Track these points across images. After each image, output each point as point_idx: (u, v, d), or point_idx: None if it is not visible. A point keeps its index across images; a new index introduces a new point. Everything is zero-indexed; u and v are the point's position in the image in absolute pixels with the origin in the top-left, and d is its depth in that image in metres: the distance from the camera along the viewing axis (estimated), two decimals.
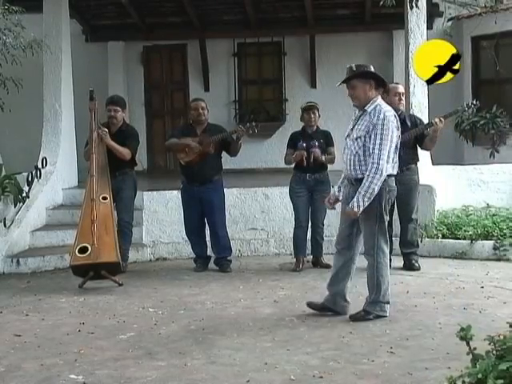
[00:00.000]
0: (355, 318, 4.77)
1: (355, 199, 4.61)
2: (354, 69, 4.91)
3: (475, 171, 8.33)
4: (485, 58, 10.22)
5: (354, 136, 4.75)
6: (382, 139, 4.63)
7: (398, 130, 4.77)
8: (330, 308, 4.93)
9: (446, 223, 7.44)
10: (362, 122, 4.76)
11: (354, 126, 4.82)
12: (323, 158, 6.70)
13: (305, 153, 6.63)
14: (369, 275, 4.82)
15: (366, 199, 4.59)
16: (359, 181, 4.68)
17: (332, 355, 4.01)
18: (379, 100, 4.82)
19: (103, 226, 6.22)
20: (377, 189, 4.59)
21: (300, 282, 6.19)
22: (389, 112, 4.74)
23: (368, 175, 4.60)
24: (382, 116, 4.67)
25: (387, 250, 4.84)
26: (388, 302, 4.83)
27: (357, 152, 4.72)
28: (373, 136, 4.64)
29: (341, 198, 4.96)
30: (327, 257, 7.05)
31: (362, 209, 4.60)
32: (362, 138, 4.70)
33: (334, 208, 5.20)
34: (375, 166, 4.60)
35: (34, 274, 6.98)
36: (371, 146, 4.64)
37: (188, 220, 6.91)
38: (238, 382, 3.63)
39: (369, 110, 4.75)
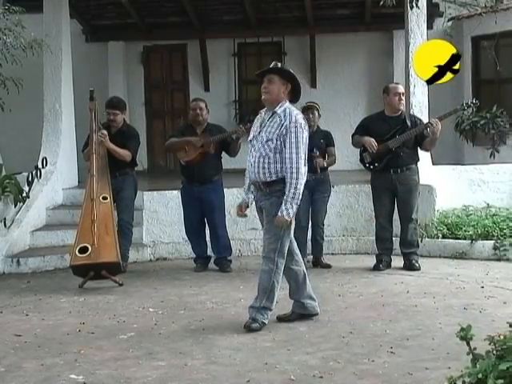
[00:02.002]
0: (249, 327, 4.57)
1: (283, 207, 4.47)
2: (277, 65, 4.75)
3: (475, 171, 8.32)
4: (485, 57, 10.22)
5: (264, 138, 4.56)
6: (297, 142, 4.52)
7: (307, 132, 4.67)
8: (301, 314, 4.82)
9: (447, 223, 7.44)
10: (271, 124, 4.59)
11: (261, 129, 4.64)
12: (325, 163, 6.73)
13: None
14: (264, 279, 4.65)
15: (294, 205, 4.50)
16: (267, 184, 4.57)
17: (332, 355, 4.01)
18: (288, 104, 4.65)
19: (103, 225, 6.22)
20: (301, 192, 4.53)
21: None
22: (299, 115, 4.66)
23: (291, 181, 4.48)
24: (293, 119, 4.55)
25: (285, 255, 4.68)
26: (271, 309, 4.70)
27: (266, 154, 4.55)
28: (288, 139, 4.51)
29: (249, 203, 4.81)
30: (327, 257, 7.07)
31: (292, 215, 4.50)
32: (274, 141, 4.53)
33: (246, 215, 4.92)
34: (295, 169, 4.49)
35: (34, 274, 6.98)
36: (287, 150, 4.50)
37: (188, 220, 6.91)
38: (238, 381, 3.63)
39: (278, 111, 4.59)
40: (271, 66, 4.70)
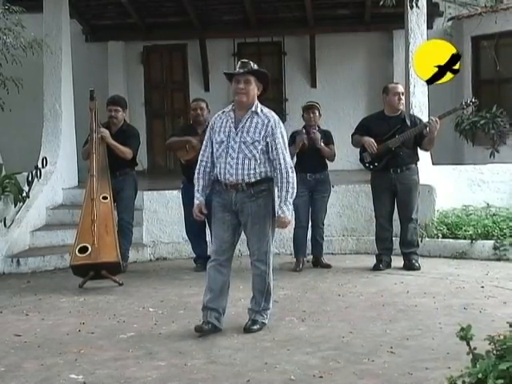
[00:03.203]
0: (249, 329, 4.51)
1: (284, 207, 4.43)
2: (252, 65, 4.54)
3: (475, 171, 8.32)
4: (485, 57, 10.23)
5: (249, 140, 4.44)
6: (284, 141, 4.53)
7: None
8: (216, 326, 4.55)
9: (446, 223, 7.44)
10: (252, 124, 4.48)
11: (239, 129, 4.47)
12: (322, 144, 6.68)
13: (305, 137, 6.62)
14: (259, 282, 4.58)
15: (289, 203, 4.48)
16: (251, 185, 4.46)
17: (332, 355, 4.01)
18: (258, 103, 4.57)
19: (103, 225, 6.23)
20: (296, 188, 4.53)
21: (300, 281, 6.19)
22: (274, 113, 4.63)
23: (286, 179, 4.44)
24: (275, 118, 4.53)
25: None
26: (270, 309, 4.69)
27: (253, 156, 4.45)
28: (276, 139, 4.46)
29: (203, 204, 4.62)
30: (327, 257, 7.07)
31: (291, 213, 4.51)
32: (261, 142, 4.45)
33: (205, 217, 4.71)
34: (290, 168, 4.48)
35: (34, 274, 6.98)
36: (278, 150, 4.46)
37: (188, 220, 6.89)
38: (238, 381, 3.63)
39: (258, 111, 4.51)
40: (249, 68, 4.50)
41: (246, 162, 4.46)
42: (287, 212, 4.48)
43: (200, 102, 6.91)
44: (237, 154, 4.47)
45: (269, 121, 4.50)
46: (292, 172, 4.51)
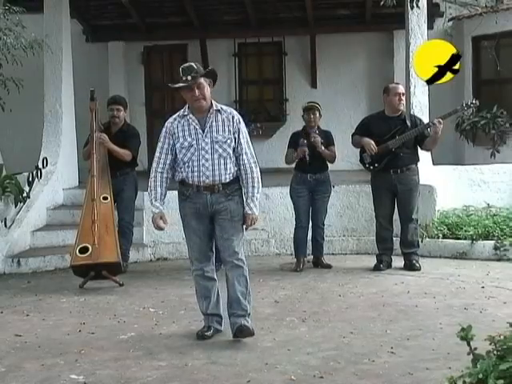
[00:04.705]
0: (248, 333, 4.36)
1: (252, 204, 4.39)
2: (196, 67, 4.38)
3: (476, 171, 8.33)
4: (485, 57, 10.22)
5: (220, 138, 4.35)
6: (247, 136, 4.48)
7: None
8: (218, 329, 4.56)
9: (447, 223, 7.44)
10: (218, 122, 4.39)
11: (207, 130, 4.36)
12: (322, 147, 6.68)
13: (307, 149, 6.62)
14: (242, 282, 4.43)
15: (256, 199, 4.42)
16: (227, 185, 4.39)
17: (333, 355, 4.01)
18: (212, 100, 4.47)
19: (104, 226, 6.23)
20: None
21: (301, 282, 6.19)
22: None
23: (251, 174, 4.39)
24: (235, 113, 4.46)
25: None
26: None
27: (228, 154, 4.37)
28: (241, 134, 4.40)
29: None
30: (327, 257, 7.07)
31: (258, 210, 4.45)
32: (232, 139, 4.37)
33: (163, 228, 4.56)
34: (252, 162, 4.42)
35: (34, 274, 6.98)
36: (244, 146, 4.40)
37: None
38: (239, 382, 3.63)
39: (219, 108, 4.42)
40: (194, 73, 4.32)
41: (222, 161, 4.36)
42: (255, 209, 4.41)
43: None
44: (211, 155, 4.35)
45: (233, 116, 4.43)
46: (256, 167, 4.45)
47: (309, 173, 6.72)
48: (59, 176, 8.71)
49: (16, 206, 7.69)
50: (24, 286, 6.42)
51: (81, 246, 6.12)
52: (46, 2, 8.95)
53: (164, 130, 4.50)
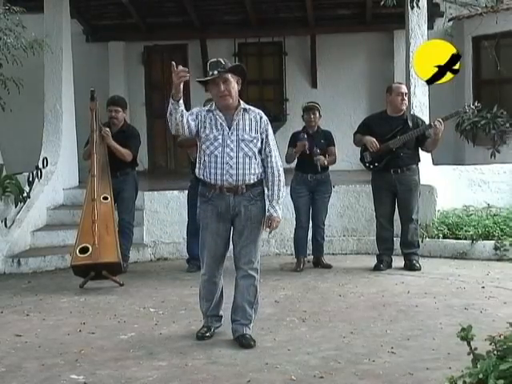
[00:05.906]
0: (248, 345, 4.25)
1: (277, 207, 4.31)
2: (224, 62, 4.23)
3: (476, 171, 8.33)
4: (486, 58, 10.21)
5: (247, 137, 4.25)
6: (274, 138, 4.41)
7: None
8: (217, 327, 4.60)
9: (447, 223, 7.44)
10: (246, 121, 4.28)
11: (234, 127, 4.26)
12: (326, 162, 6.71)
13: (306, 143, 6.62)
14: (251, 293, 4.36)
15: (281, 202, 4.35)
16: (251, 187, 4.29)
17: (333, 355, 4.01)
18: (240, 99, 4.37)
19: (104, 226, 6.22)
20: None
21: (301, 282, 6.19)
22: None
23: (278, 177, 4.32)
24: (263, 114, 4.36)
25: None
26: None
27: (254, 154, 4.27)
28: (269, 136, 4.32)
29: None
30: (328, 257, 7.07)
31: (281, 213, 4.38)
32: (258, 139, 4.28)
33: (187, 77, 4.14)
34: (279, 165, 4.35)
35: (34, 274, 6.98)
36: (271, 147, 4.32)
37: (193, 221, 6.87)
38: (239, 382, 3.63)
39: (246, 107, 4.33)
40: (222, 67, 4.19)
41: (247, 160, 4.25)
42: (279, 211, 4.35)
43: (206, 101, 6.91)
44: (236, 153, 4.23)
45: (261, 117, 4.35)
46: (282, 170, 4.41)
47: (309, 173, 6.72)
48: (59, 176, 8.71)
49: (16, 206, 7.69)
50: (24, 285, 6.42)
51: (81, 245, 6.11)
52: (46, 2, 8.94)
53: (198, 108, 4.42)
